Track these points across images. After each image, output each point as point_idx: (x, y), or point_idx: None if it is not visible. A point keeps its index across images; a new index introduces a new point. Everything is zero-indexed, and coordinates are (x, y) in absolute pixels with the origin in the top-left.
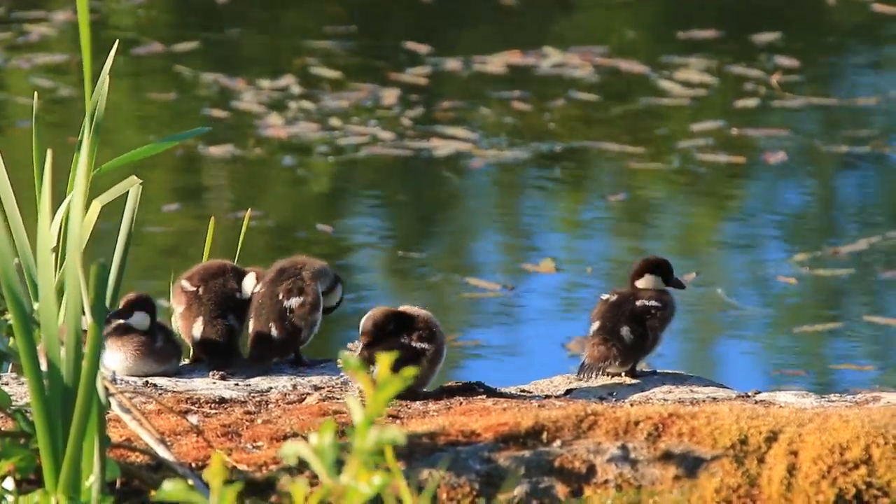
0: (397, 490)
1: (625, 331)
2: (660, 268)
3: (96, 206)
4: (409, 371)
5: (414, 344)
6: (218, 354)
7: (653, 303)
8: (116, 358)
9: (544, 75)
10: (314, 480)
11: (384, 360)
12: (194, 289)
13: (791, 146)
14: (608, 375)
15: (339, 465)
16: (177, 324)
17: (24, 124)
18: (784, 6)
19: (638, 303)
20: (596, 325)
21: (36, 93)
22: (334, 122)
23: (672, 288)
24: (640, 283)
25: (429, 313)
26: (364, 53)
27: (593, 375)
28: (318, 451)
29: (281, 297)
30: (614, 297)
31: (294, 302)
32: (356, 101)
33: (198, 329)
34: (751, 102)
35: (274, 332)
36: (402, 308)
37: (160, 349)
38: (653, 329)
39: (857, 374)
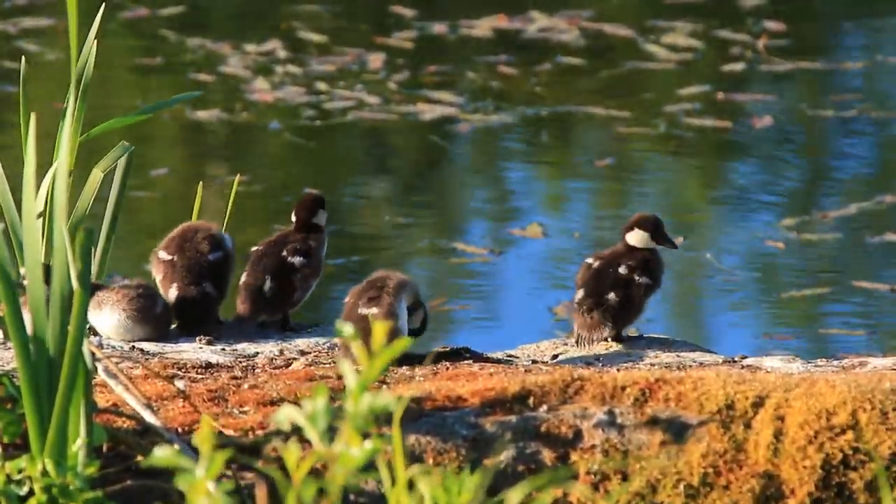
0: (390, 456)
1: (611, 297)
2: (650, 224)
3: (97, 174)
4: (404, 341)
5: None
6: (193, 321)
7: (637, 276)
8: (114, 319)
9: (531, 39)
10: (302, 445)
11: (379, 327)
12: (170, 258)
13: (778, 111)
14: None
15: (330, 432)
16: (164, 296)
17: (9, 89)
18: None
19: (621, 269)
20: (581, 292)
21: (24, 57)
22: (321, 86)
23: (661, 245)
24: (629, 239)
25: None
26: (350, 17)
27: (588, 345)
28: (312, 416)
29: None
30: (597, 263)
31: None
32: (342, 65)
33: (172, 295)
34: (737, 67)
35: (268, 286)
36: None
37: (159, 315)
38: (638, 296)
39: (845, 339)
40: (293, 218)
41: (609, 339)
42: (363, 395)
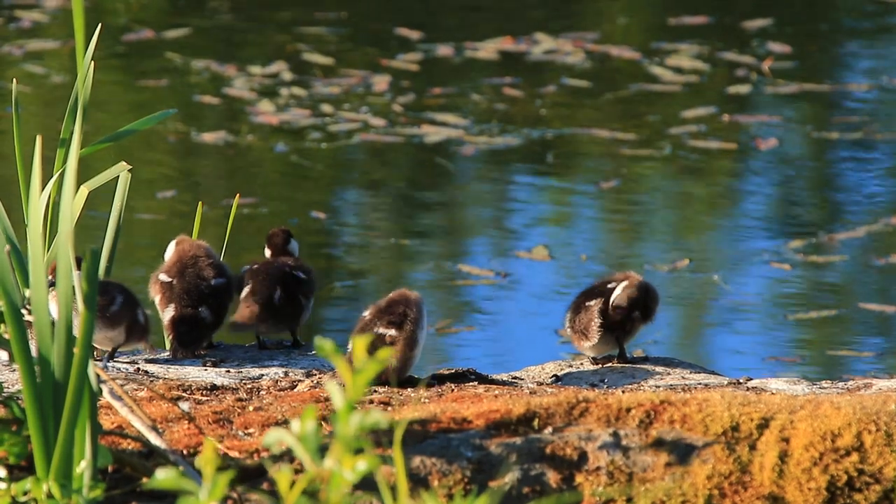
0: (393, 477)
1: (592, 303)
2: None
3: (84, 191)
4: (385, 353)
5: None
6: (185, 343)
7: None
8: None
9: (536, 61)
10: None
11: (359, 344)
12: (170, 280)
13: (783, 133)
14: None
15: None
16: (161, 318)
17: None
18: None
19: (610, 285)
20: (568, 314)
21: (15, 79)
22: (326, 108)
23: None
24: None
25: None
26: (355, 39)
27: (592, 353)
28: (302, 437)
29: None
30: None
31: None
32: (347, 87)
33: (167, 316)
34: (742, 89)
35: (277, 295)
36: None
37: (116, 313)
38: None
39: (851, 361)
40: (267, 251)
41: (616, 360)
42: (350, 415)
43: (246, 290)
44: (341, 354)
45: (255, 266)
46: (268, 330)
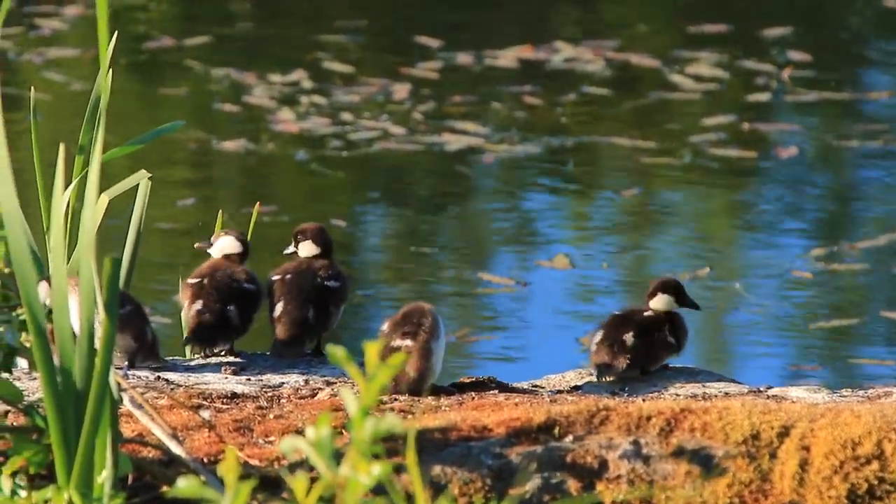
0: (408, 485)
1: (628, 337)
2: (673, 288)
3: (104, 200)
4: (397, 358)
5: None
6: (205, 339)
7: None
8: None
9: (556, 70)
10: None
11: (371, 350)
12: (198, 280)
13: (803, 141)
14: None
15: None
16: (185, 318)
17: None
18: (794, 1)
19: (647, 313)
20: (599, 334)
21: (33, 87)
22: (346, 116)
23: (685, 308)
24: (654, 304)
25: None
26: (375, 48)
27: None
28: (317, 444)
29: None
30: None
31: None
32: (367, 95)
33: (193, 309)
34: (762, 97)
35: (311, 314)
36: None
37: (121, 318)
38: (660, 345)
39: (874, 370)
40: (314, 247)
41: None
42: (365, 420)
43: (279, 307)
44: (354, 361)
45: (286, 276)
46: (305, 347)
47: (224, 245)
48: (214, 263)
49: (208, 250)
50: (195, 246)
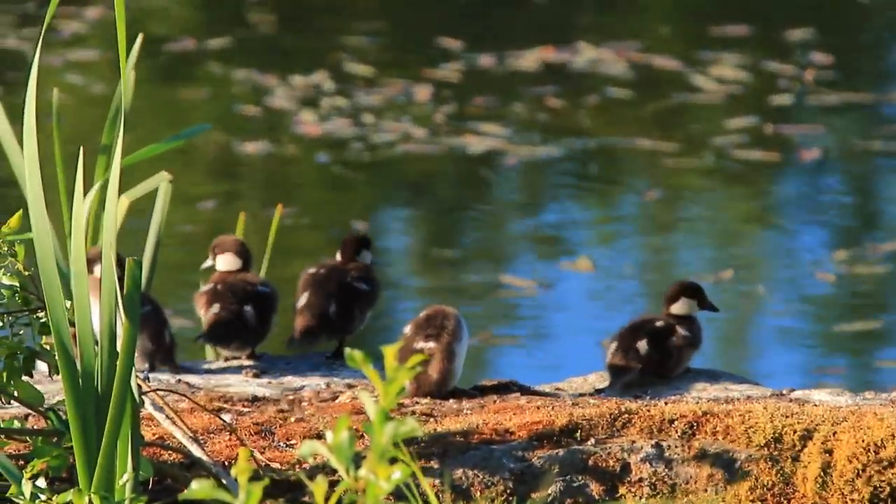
0: (435, 488)
1: (642, 345)
2: (694, 292)
3: (125, 202)
4: (415, 359)
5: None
6: (223, 337)
7: (679, 330)
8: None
9: (578, 71)
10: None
11: (389, 352)
12: (212, 285)
13: (826, 143)
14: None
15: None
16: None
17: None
18: (816, 3)
19: (658, 323)
20: (614, 345)
21: (56, 89)
22: (367, 118)
23: (707, 311)
24: (675, 309)
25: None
26: (397, 49)
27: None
28: (336, 447)
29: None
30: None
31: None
32: (389, 97)
33: (211, 311)
34: (785, 99)
35: (332, 310)
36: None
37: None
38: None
39: (895, 373)
40: (235, 259)
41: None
42: (384, 423)
43: (302, 299)
44: (371, 364)
45: (317, 271)
46: (321, 342)
47: (225, 263)
48: (223, 274)
49: (216, 267)
50: (201, 269)
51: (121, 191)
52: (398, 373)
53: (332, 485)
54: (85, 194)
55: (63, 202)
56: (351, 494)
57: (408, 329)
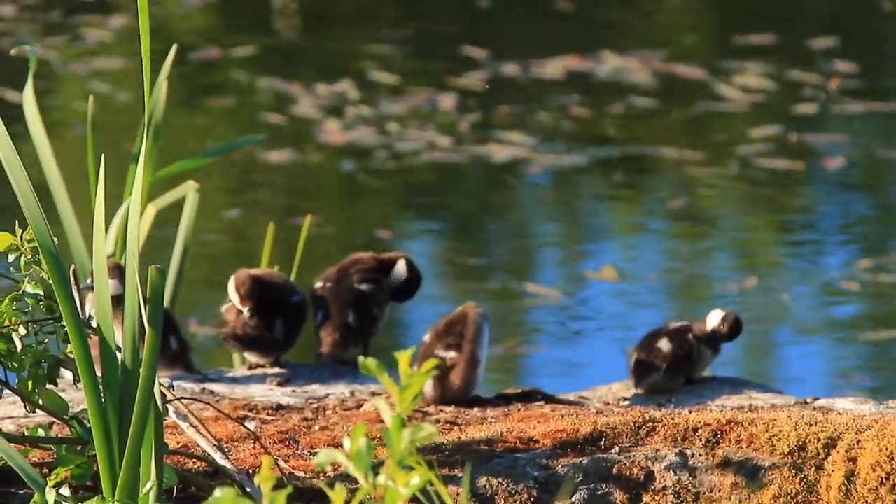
0: (457, 496)
1: (661, 344)
2: (732, 325)
3: (151, 210)
4: (429, 364)
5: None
6: (247, 340)
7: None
8: None
9: (602, 80)
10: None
11: (403, 359)
12: (246, 306)
13: (850, 152)
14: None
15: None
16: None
17: (80, 130)
18: (841, 12)
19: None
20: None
21: (91, 97)
22: (392, 127)
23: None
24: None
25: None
26: (421, 58)
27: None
28: (354, 455)
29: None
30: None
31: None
32: (414, 105)
33: (240, 324)
34: (809, 108)
35: (351, 319)
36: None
37: None
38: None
39: None
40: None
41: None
42: (401, 430)
43: (319, 316)
44: (386, 371)
45: (324, 285)
46: (349, 353)
47: (236, 303)
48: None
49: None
50: (223, 311)
51: (149, 202)
52: (413, 378)
53: (355, 493)
54: (116, 205)
55: (96, 213)
56: (370, 502)
57: (427, 336)
